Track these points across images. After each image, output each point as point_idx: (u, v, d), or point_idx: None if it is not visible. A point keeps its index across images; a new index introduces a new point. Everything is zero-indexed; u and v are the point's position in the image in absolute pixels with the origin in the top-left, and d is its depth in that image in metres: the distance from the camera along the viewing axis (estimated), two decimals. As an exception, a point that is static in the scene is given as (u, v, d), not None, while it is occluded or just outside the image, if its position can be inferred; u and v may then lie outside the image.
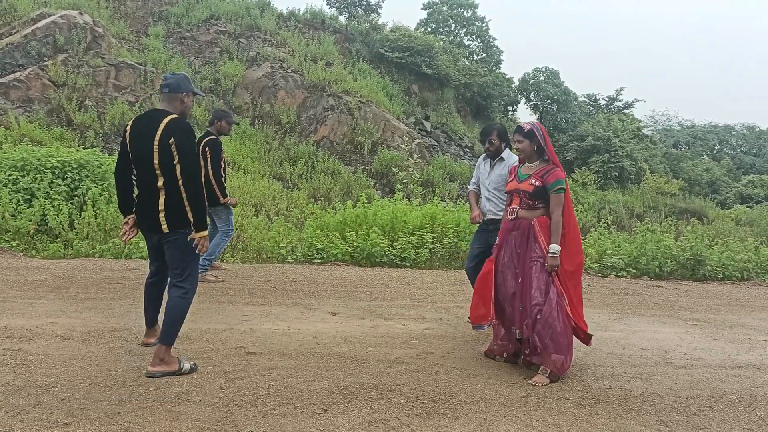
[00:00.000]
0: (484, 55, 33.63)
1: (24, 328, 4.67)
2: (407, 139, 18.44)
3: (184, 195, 3.75)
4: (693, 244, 9.53)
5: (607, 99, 36.11)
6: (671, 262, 9.24)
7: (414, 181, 13.59)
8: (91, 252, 8.16)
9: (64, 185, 9.08)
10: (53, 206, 8.64)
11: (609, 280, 8.81)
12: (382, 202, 10.55)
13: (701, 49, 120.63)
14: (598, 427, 3.45)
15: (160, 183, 3.78)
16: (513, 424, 3.41)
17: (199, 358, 4.18)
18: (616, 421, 3.54)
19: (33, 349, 4.22)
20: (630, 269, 9.12)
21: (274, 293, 6.56)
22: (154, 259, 4.13)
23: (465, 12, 33.74)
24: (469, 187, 5.89)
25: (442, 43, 28.21)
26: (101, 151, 11.61)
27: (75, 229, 8.56)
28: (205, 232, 3.84)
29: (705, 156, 40.24)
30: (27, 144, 11.23)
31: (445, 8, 33.69)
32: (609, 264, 9.17)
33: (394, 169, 15.85)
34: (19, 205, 8.64)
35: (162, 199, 3.79)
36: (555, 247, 4.16)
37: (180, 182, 3.74)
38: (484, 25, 33.92)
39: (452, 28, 33.94)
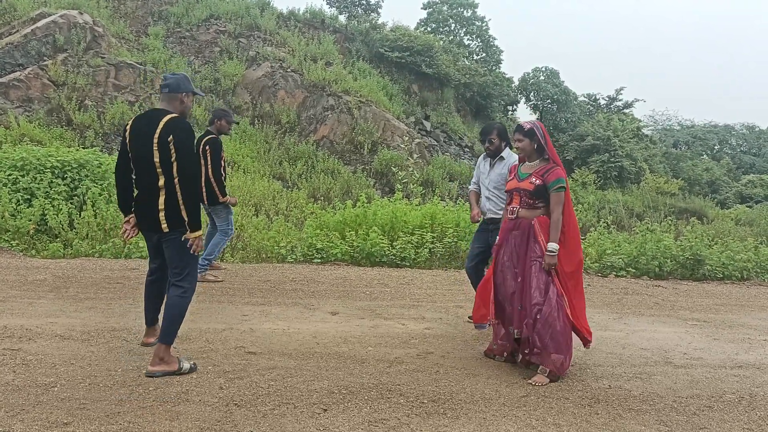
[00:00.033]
0: (483, 54, 33.63)
1: (24, 328, 4.67)
2: (407, 138, 18.44)
3: (179, 193, 3.75)
4: (693, 243, 9.53)
5: (607, 99, 36.15)
6: (671, 261, 9.24)
7: (414, 181, 13.59)
8: (90, 252, 8.16)
9: (64, 185, 9.08)
10: (53, 206, 8.64)
11: (609, 279, 8.81)
12: (381, 201, 10.55)
13: (701, 48, 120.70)
14: (598, 426, 3.45)
15: (161, 182, 3.79)
16: (513, 424, 3.41)
17: (198, 357, 4.18)
18: (615, 421, 3.54)
19: (33, 349, 4.22)
20: (630, 269, 9.12)
21: (273, 293, 6.56)
22: (153, 258, 4.14)
23: (465, 12, 33.74)
24: (469, 187, 5.90)
25: (441, 42, 28.20)
26: (101, 150, 11.61)
27: (75, 228, 8.56)
28: (200, 232, 3.84)
29: (705, 156, 40.24)
30: (27, 144, 11.23)
31: (444, 8, 33.69)
32: (609, 264, 9.17)
33: (393, 169, 15.84)
34: (19, 204, 8.63)
35: (162, 199, 3.80)
36: (553, 246, 4.15)
37: (176, 180, 3.74)
38: (483, 24, 33.93)
39: (452, 28, 33.93)
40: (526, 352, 4.18)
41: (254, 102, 18.78)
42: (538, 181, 4.28)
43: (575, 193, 20.66)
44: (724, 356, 5.07)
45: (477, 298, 4.63)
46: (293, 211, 11.90)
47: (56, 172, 9.19)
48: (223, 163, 6.93)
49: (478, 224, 5.61)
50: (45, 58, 15.81)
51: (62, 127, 14.27)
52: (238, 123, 13.27)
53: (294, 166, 16.03)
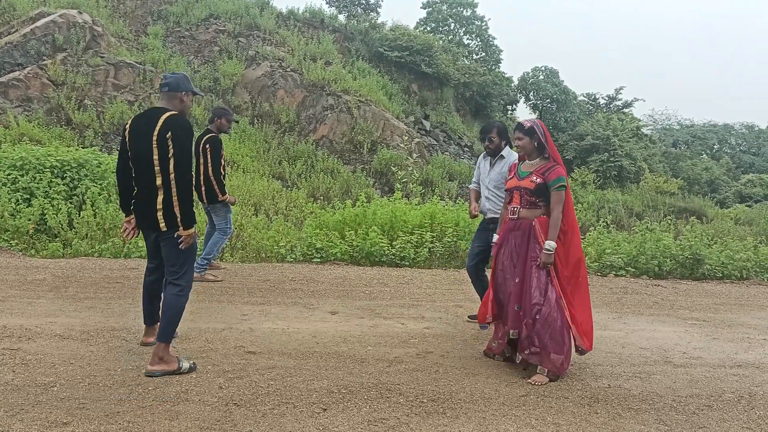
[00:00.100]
0: (483, 54, 33.64)
1: (23, 328, 4.67)
2: (406, 138, 18.43)
3: (174, 190, 3.76)
4: (692, 243, 9.53)
5: (607, 98, 36.16)
6: (670, 261, 9.25)
7: (413, 181, 13.59)
8: (90, 251, 8.16)
9: (63, 184, 9.07)
10: (52, 206, 8.64)
11: (608, 279, 8.81)
12: (381, 201, 10.55)
13: (701, 47, 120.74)
14: (597, 426, 3.45)
15: (158, 181, 3.79)
16: (512, 423, 3.41)
17: (198, 357, 4.18)
18: (615, 420, 3.54)
19: (32, 349, 4.22)
20: (629, 268, 9.13)
21: (273, 292, 6.56)
22: (152, 257, 4.15)
23: (464, 11, 33.75)
24: (470, 186, 5.92)
25: (441, 42, 28.21)
26: (100, 150, 11.61)
27: (74, 228, 8.56)
28: (192, 230, 3.86)
29: (704, 155, 40.25)
30: (26, 143, 11.22)
31: (444, 7, 33.69)
32: (608, 263, 9.18)
33: (393, 169, 15.85)
34: (18, 204, 8.63)
35: (160, 198, 3.81)
36: (551, 244, 4.14)
37: (172, 176, 3.75)
38: (483, 24, 33.94)
39: (451, 27, 33.94)
40: (526, 352, 4.18)
41: (254, 101, 18.77)
42: (538, 180, 4.28)
43: (575, 193, 20.67)
44: (724, 355, 5.07)
45: (484, 298, 4.68)
46: (293, 211, 11.90)
47: (55, 171, 9.19)
48: (222, 162, 6.93)
49: (478, 224, 5.62)
50: (44, 57, 15.79)
51: (61, 127, 14.26)
52: (238, 122, 13.27)
53: (293, 166, 16.03)
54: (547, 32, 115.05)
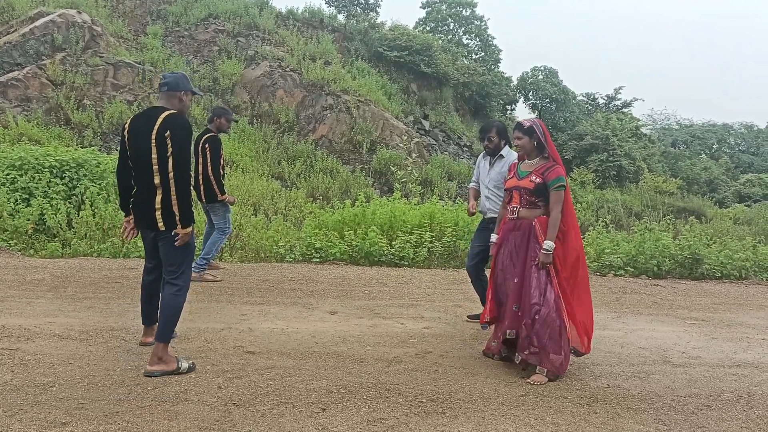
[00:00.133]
0: (482, 54, 33.65)
1: (22, 328, 4.67)
2: (406, 138, 18.43)
3: (172, 189, 3.76)
4: (691, 242, 9.54)
5: (606, 98, 36.19)
6: (669, 260, 9.25)
7: (412, 180, 13.59)
8: (89, 251, 8.16)
9: (62, 184, 9.07)
10: (51, 205, 8.63)
11: (607, 278, 8.82)
12: (380, 201, 10.55)
13: (700, 47, 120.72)
14: (597, 425, 3.45)
15: (157, 180, 3.80)
16: (511, 423, 3.41)
17: (197, 357, 4.18)
18: (614, 420, 3.54)
19: (31, 349, 4.22)
20: (628, 268, 9.13)
21: (272, 292, 6.56)
22: (150, 257, 4.16)
23: (464, 11, 33.76)
24: (469, 185, 5.93)
25: (440, 42, 28.21)
26: (99, 150, 11.60)
27: (73, 228, 8.55)
28: (190, 229, 3.86)
29: (703, 155, 40.27)
30: (25, 143, 11.21)
31: (443, 7, 33.70)
32: (607, 263, 9.18)
33: (392, 168, 15.85)
34: (17, 204, 8.62)
35: (158, 198, 3.81)
36: (549, 244, 4.14)
37: (171, 175, 3.75)
38: (482, 23, 33.95)
39: (451, 27, 33.94)
40: (525, 352, 4.17)
41: (253, 101, 18.77)
42: (538, 180, 4.27)
43: (574, 193, 20.67)
44: (723, 355, 5.08)
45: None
46: (292, 211, 11.90)
47: (55, 171, 9.18)
48: (222, 161, 6.93)
49: (477, 224, 5.64)
50: (43, 57, 15.79)
51: (60, 127, 14.25)
52: (237, 121, 13.28)
53: (293, 166, 16.02)
54: (547, 32, 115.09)
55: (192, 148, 4.77)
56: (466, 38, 34.07)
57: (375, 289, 7.01)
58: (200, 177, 6.71)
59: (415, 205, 10.28)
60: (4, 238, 8.19)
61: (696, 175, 31.31)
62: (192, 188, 4.20)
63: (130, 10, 20.93)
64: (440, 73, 24.69)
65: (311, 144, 17.58)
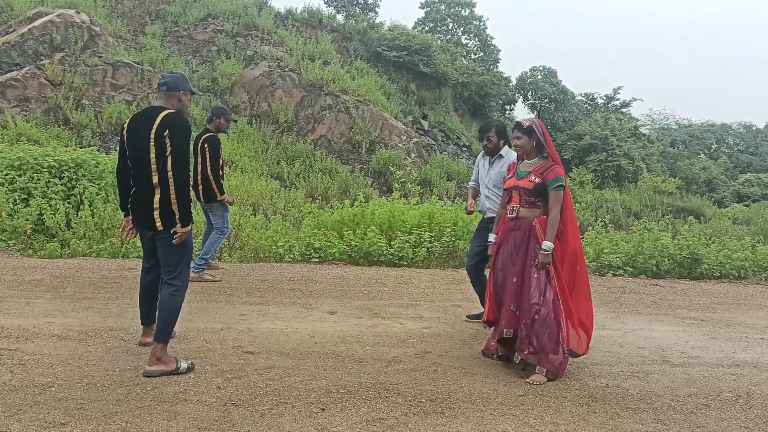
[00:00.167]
0: (481, 53, 33.68)
1: (21, 328, 4.66)
2: (405, 138, 18.44)
3: (171, 188, 3.76)
4: (690, 242, 9.54)
5: (605, 98, 36.21)
6: (668, 260, 9.25)
7: (412, 180, 13.61)
8: (88, 251, 8.15)
9: (61, 184, 9.06)
10: (50, 206, 8.62)
11: (606, 278, 8.82)
12: (379, 201, 10.55)
13: (699, 47, 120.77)
14: (596, 425, 3.46)
15: (155, 180, 3.80)
16: (511, 423, 3.41)
17: (196, 357, 4.18)
18: (613, 420, 3.54)
19: (30, 349, 4.21)
20: (627, 268, 9.13)
21: (271, 292, 6.56)
22: (148, 256, 4.15)
23: (462, 11, 33.78)
24: (468, 183, 5.94)
25: (439, 42, 28.22)
26: (98, 150, 11.59)
27: (72, 228, 8.54)
28: (189, 227, 3.87)
29: (702, 155, 40.30)
30: (24, 143, 11.20)
31: (442, 7, 33.72)
32: (606, 263, 9.18)
33: (391, 168, 15.85)
34: (16, 204, 8.61)
35: (157, 197, 3.81)
36: (548, 245, 4.14)
37: (170, 174, 3.75)
38: (481, 23, 33.98)
39: (450, 27, 33.98)
40: (525, 352, 4.17)
41: (252, 101, 18.77)
42: (537, 180, 4.27)
43: (573, 193, 20.69)
44: (722, 355, 5.08)
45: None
46: (291, 211, 11.90)
47: (53, 171, 9.17)
48: (221, 161, 6.92)
49: (476, 223, 5.64)
50: (42, 57, 15.78)
51: (59, 127, 14.25)
52: (236, 121, 13.26)
53: (292, 166, 16.02)
54: (546, 32, 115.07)
55: (191, 147, 4.77)
56: (465, 38, 34.10)
57: (374, 289, 7.01)
58: (199, 177, 6.71)
59: (414, 205, 10.28)
60: (3, 238, 8.18)
61: (695, 174, 31.33)
62: (191, 188, 4.20)
63: (129, 10, 20.92)
64: (439, 73, 24.70)
65: (310, 144, 17.58)
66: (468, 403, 3.66)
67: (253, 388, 3.68)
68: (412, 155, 17.69)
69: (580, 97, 35.96)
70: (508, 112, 32.87)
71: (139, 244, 7.94)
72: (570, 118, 32.62)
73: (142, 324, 4.34)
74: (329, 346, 4.66)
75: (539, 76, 33.47)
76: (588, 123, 28.50)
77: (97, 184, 9.29)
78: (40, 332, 4.60)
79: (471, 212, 5.75)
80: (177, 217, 3.80)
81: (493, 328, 4.63)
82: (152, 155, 3.77)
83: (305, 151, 16.95)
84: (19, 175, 8.99)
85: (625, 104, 35.61)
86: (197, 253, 6.98)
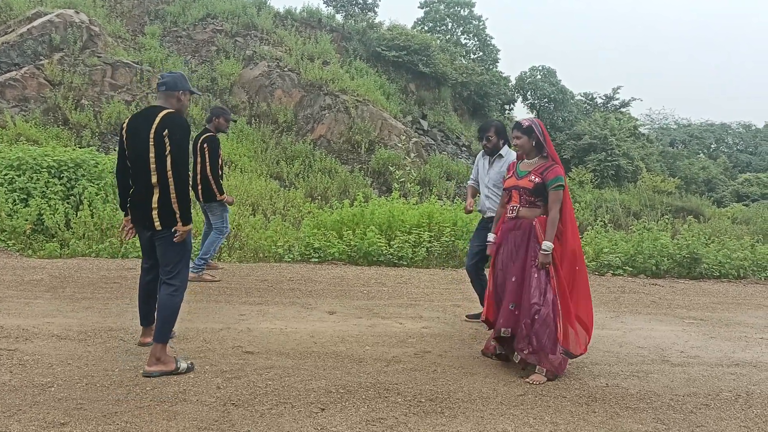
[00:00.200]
0: (480, 53, 33.71)
1: (20, 328, 4.66)
2: (404, 137, 18.44)
3: (171, 188, 3.76)
4: (689, 242, 9.54)
5: (604, 98, 36.24)
6: (668, 260, 9.26)
7: (411, 180, 13.61)
8: (87, 251, 8.15)
9: (61, 185, 9.06)
10: (49, 206, 8.62)
11: (606, 278, 8.82)
12: (379, 201, 10.54)
13: (699, 47, 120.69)
14: (595, 425, 3.46)
15: (154, 179, 3.79)
16: (510, 423, 3.41)
17: (196, 357, 4.17)
18: (613, 419, 3.55)
19: (29, 349, 4.21)
20: (627, 267, 9.14)
21: (271, 292, 6.56)
22: (147, 256, 4.15)
23: (462, 10, 33.80)
24: (467, 182, 5.94)
25: (438, 41, 28.22)
26: (97, 150, 11.59)
27: (71, 228, 8.54)
28: (190, 226, 3.88)
29: (701, 154, 40.33)
30: (23, 143, 11.19)
31: (441, 7, 33.74)
32: (606, 262, 9.18)
33: (391, 168, 15.85)
34: (15, 204, 8.61)
35: (155, 197, 3.81)
36: (548, 245, 4.14)
37: (169, 173, 3.74)
38: (480, 23, 34.01)
39: (449, 27, 34.00)
40: (525, 352, 4.17)
41: (251, 101, 18.77)
42: (537, 179, 4.27)
43: (572, 192, 20.70)
44: (721, 354, 5.08)
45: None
46: (290, 211, 11.90)
47: (53, 171, 9.17)
48: (220, 161, 6.92)
49: (476, 223, 5.64)
50: (41, 57, 15.78)
51: (59, 127, 14.24)
52: (236, 121, 13.30)
53: (291, 166, 16.02)
54: (545, 32, 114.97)
55: (190, 147, 4.77)
56: (465, 38, 34.13)
57: (374, 289, 7.01)
58: (198, 177, 6.71)
59: (413, 204, 10.28)
60: (3, 238, 8.18)
61: (694, 174, 31.36)
62: (190, 188, 4.20)
63: (128, 10, 20.92)
64: (438, 72, 24.71)
65: (309, 144, 17.58)
66: (467, 402, 3.66)
67: (252, 388, 3.68)
68: (412, 155, 17.70)
69: (579, 97, 36.00)
70: (507, 111, 32.91)
71: (138, 244, 7.95)
72: (569, 118, 32.65)
73: (141, 324, 4.34)
74: (329, 346, 4.66)
75: (538, 76, 33.50)
76: (587, 123, 28.53)
77: (97, 184, 9.29)
78: (39, 332, 4.60)
79: (470, 212, 5.76)
80: (178, 215, 3.81)
81: (493, 329, 4.64)
82: (151, 155, 3.77)
83: (304, 151, 16.95)
84: (19, 175, 8.99)
85: (625, 104, 35.65)
86: (196, 253, 6.98)
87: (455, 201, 11.72)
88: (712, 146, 44.45)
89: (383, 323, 5.48)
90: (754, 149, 44.13)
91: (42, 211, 8.47)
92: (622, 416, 3.60)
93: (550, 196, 4.25)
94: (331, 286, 7.02)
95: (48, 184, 8.94)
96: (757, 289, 8.74)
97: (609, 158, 25.79)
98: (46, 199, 8.72)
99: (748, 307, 7.34)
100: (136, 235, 4.18)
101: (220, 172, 6.92)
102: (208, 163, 6.69)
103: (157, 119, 3.79)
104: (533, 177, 4.29)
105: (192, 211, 3.96)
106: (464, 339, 5.11)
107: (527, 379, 4.07)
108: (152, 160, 3.77)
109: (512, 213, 4.39)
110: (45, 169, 9.08)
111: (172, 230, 3.84)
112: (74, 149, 10.32)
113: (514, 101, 33.88)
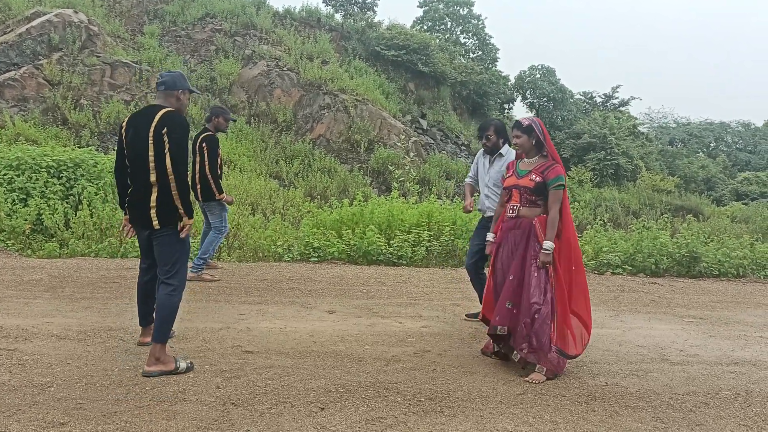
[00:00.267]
0: (480, 52, 33.70)
1: (20, 328, 4.66)
2: (403, 137, 18.44)
3: (172, 185, 3.76)
4: (689, 241, 9.54)
5: (603, 97, 36.24)
6: (667, 259, 9.26)
7: (410, 179, 13.61)
8: (86, 251, 8.14)
9: (60, 184, 9.05)
10: (49, 206, 8.62)
11: (605, 277, 8.82)
12: (378, 200, 10.55)
13: (698, 46, 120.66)
14: (595, 423, 3.46)
15: (153, 178, 3.79)
16: (510, 422, 3.41)
17: (195, 357, 4.17)
18: (612, 418, 3.55)
19: (29, 349, 4.21)
20: (626, 266, 9.14)
21: (270, 292, 6.56)
22: (145, 256, 4.16)
23: (461, 10, 33.78)
24: (465, 180, 5.94)
25: (438, 41, 28.22)
26: (97, 150, 11.59)
27: (70, 228, 8.54)
28: (193, 219, 3.90)
29: (700, 153, 40.33)
30: (22, 143, 11.19)
31: (441, 6, 33.73)
32: (605, 261, 9.19)
33: (390, 168, 15.86)
34: (15, 204, 8.61)
35: (154, 196, 3.81)
36: (549, 244, 4.15)
37: (169, 170, 3.74)
38: (479, 22, 33.99)
39: (448, 26, 33.99)
40: (524, 351, 4.17)
41: (250, 101, 18.76)
42: (538, 179, 4.27)
43: (572, 191, 20.71)
44: (720, 353, 5.09)
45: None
46: (290, 210, 11.89)
47: (52, 171, 9.17)
48: (219, 160, 6.92)
49: (476, 222, 5.64)
50: (40, 57, 15.76)
51: (58, 127, 14.23)
52: (235, 120, 13.28)
53: (290, 165, 16.01)
54: (544, 31, 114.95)
55: (189, 146, 4.77)
56: (464, 37, 34.12)
57: (373, 288, 7.01)
58: (197, 176, 6.71)
59: (413, 204, 10.28)
60: (2, 238, 8.18)
61: (693, 173, 31.37)
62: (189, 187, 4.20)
63: (127, 10, 20.90)
64: (438, 72, 24.70)
65: (309, 143, 17.58)
66: (467, 401, 3.66)
67: (252, 388, 3.68)
68: (411, 154, 17.70)
69: (578, 96, 36.00)
70: (506, 110, 32.90)
71: (137, 243, 7.98)
72: (569, 117, 32.65)
73: (140, 324, 4.35)
74: (328, 345, 4.66)
75: (538, 75, 33.50)
76: (586, 122, 28.53)
77: (96, 184, 9.29)
78: (38, 332, 4.60)
79: (469, 212, 5.75)
80: (182, 210, 3.81)
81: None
82: (150, 153, 3.77)
83: (304, 151, 16.95)
84: (18, 175, 8.99)
85: (624, 103, 35.65)
86: (195, 252, 6.98)
87: (454, 200, 11.72)
88: (712, 145, 44.46)
89: (383, 322, 5.48)
90: (754, 148, 44.15)
91: (41, 211, 8.47)
92: (621, 415, 3.60)
93: (551, 195, 4.24)
94: (331, 286, 7.02)
95: (47, 184, 8.94)
96: (757, 287, 8.75)
97: (608, 157, 25.80)
98: (46, 199, 8.72)
99: (747, 305, 7.34)
100: (136, 235, 4.18)
101: (220, 172, 6.92)
102: (207, 163, 6.69)
103: (157, 118, 3.79)
104: (534, 176, 4.28)
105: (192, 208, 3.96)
106: (464, 338, 5.11)
107: (527, 378, 4.07)
108: (151, 158, 3.77)
109: (512, 212, 4.39)
110: (44, 169, 9.08)
111: (179, 226, 3.84)
112: (73, 149, 10.31)
113: (513, 100, 33.89)
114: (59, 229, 8.43)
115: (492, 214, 5.22)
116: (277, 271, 7.77)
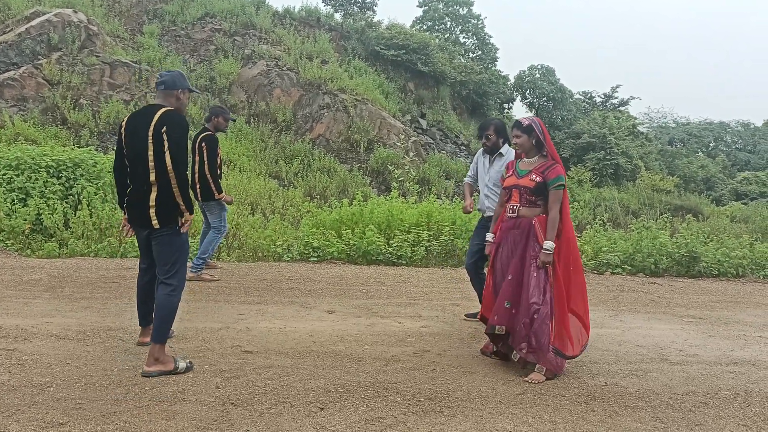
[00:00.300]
0: (479, 52, 33.71)
1: (19, 328, 4.66)
2: (403, 137, 18.44)
3: (173, 182, 3.76)
4: (688, 240, 9.54)
5: (603, 96, 36.24)
6: (666, 258, 9.26)
7: (410, 179, 13.61)
8: (86, 251, 8.14)
9: (59, 184, 9.05)
10: (48, 205, 8.61)
11: (604, 277, 8.82)
12: (378, 200, 10.55)
13: (697, 46, 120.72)
14: (594, 423, 3.46)
15: (152, 177, 3.79)
16: (509, 422, 3.41)
17: (195, 357, 4.17)
18: (611, 418, 3.55)
19: (28, 349, 4.21)
20: (625, 266, 9.14)
21: (270, 292, 6.55)
22: (144, 256, 4.16)
23: (460, 9, 33.79)
24: (464, 180, 5.94)
25: (437, 40, 28.22)
26: (96, 149, 11.58)
27: (70, 228, 8.54)
28: (193, 215, 3.91)
29: (700, 153, 40.35)
30: (21, 143, 11.19)
31: (440, 6, 33.72)
32: (604, 261, 9.19)
33: (390, 167, 15.86)
34: (14, 204, 8.61)
35: (153, 195, 3.81)
36: (549, 244, 4.15)
37: (169, 168, 3.74)
38: (479, 22, 33.99)
39: (448, 26, 33.99)
40: (524, 351, 4.17)
41: (250, 100, 18.75)
42: (538, 178, 4.26)
43: (571, 191, 20.71)
44: (720, 353, 5.09)
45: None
46: (289, 210, 11.89)
47: (51, 171, 9.16)
48: (219, 160, 6.92)
49: (476, 222, 5.64)
50: (39, 57, 15.75)
51: (57, 126, 14.23)
52: (235, 120, 13.26)
53: (290, 165, 16.01)
54: (543, 31, 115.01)
55: (189, 146, 4.77)
56: (463, 37, 34.12)
57: (373, 288, 7.01)
58: (197, 176, 6.71)
59: (412, 203, 10.28)
60: (1, 238, 8.17)
61: (693, 173, 31.38)
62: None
63: (127, 10, 20.89)
64: (437, 71, 24.70)
65: (308, 143, 17.58)
66: (467, 401, 3.66)
67: (251, 388, 3.68)
68: (411, 154, 17.70)
69: (578, 96, 36.01)
70: (506, 110, 32.88)
71: (137, 243, 7.97)
72: (568, 117, 32.66)
73: (140, 324, 4.34)
74: (328, 345, 4.66)
75: (537, 75, 33.50)
76: (586, 121, 28.54)
77: (95, 184, 9.29)
78: (38, 332, 4.60)
79: (469, 212, 5.75)
80: (182, 207, 3.82)
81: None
82: (150, 153, 3.77)
83: (303, 150, 16.95)
84: (17, 175, 8.98)
85: (623, 103, 35.66)
86: (195, 252, 6.98)
87: (454, 200, 11.73)
88: (711, 145, 44.49)
89: (382, 322, 5.48)
90: (753, 148, 44.17)
91: (41, 211, 8.47)
92: (620, 415, 3.60)
93: (551, 195, 4.24)
94: (330, 286, 7.02)
95: (47, 184, 8.94)
96: (756, 287, 8.75)
97: (608, 157, 25.81)
98: (45, 199, 8.72)
99: (746, 305, 7.34)
100: (135, 234, 4.18)
101: (219, 172, 6.92)
102: (206, 162, 6.69)
103: (156, 117, 3.78)
104: (534, 176, 4.28)
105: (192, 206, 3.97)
106: (463, 338, 5.11)
107: (526, 378, 4.07)
108: (151, 158, 3.77)
109: (512, 212, 4.38)
110: (43, 169, 9.08)
111: (180, 221, 3.85)
112: (73, 149, 10.31)
113: (512, 100, 33.87)
114: (59, 228, 8.43)
115: (492, 213, 5.21)
116: (276, 271, 7.77)
